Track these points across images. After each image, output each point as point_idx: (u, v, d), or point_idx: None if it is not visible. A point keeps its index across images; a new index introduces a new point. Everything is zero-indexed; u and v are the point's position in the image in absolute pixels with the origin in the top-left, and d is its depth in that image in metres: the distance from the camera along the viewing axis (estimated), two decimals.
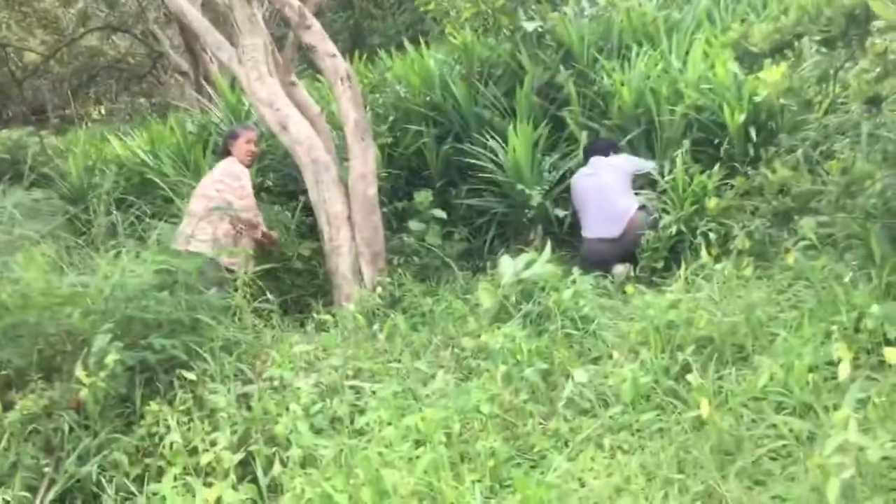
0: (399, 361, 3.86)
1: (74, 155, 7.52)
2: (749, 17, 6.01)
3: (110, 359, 3.07)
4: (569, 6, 6.49)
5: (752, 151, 4.99)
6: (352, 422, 3.20)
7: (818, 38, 3.25)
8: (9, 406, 3.19)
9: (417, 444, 2.96)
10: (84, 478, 3.03)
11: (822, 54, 3.36)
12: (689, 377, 3.07)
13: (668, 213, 4.85)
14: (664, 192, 5.02)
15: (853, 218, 3.59)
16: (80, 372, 3.11)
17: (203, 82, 10.54)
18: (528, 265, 4.24)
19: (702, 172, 4.91)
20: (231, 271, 4.45)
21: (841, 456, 2.26)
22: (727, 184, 4.76)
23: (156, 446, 3.11)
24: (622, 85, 5.63)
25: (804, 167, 4.37)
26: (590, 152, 5.42)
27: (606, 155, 5.30)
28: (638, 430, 3.08)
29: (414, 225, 5.59)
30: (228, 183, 4.99)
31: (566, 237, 5.63)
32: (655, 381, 3.26)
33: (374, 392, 3.39)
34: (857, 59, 3.46)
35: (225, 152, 5.29)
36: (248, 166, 5.27)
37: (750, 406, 2.94)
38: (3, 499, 2.88)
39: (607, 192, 5.06)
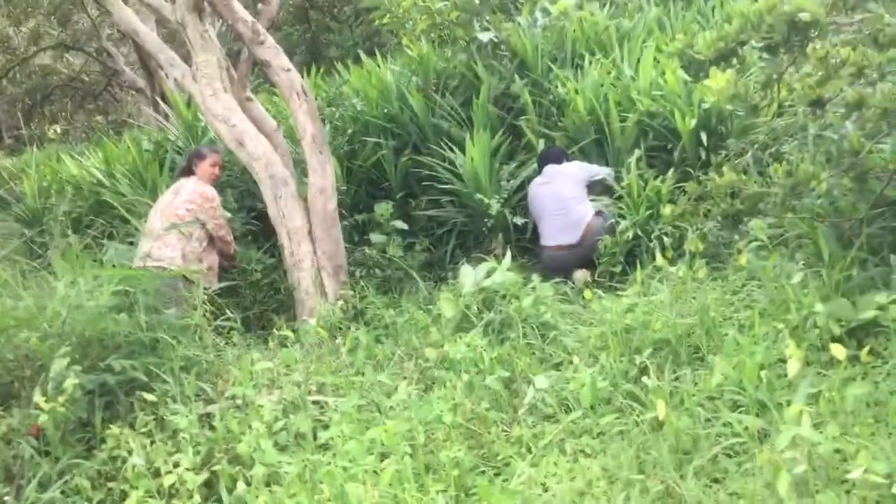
0: (362, 375, 3.88)
1: (29, 176, 7.41)
2: (697, 25, 6.16)
3: (69, 383, 3.04)
4: (523, 17, 6.58)
5: (704, 156, 5.11)
6: (315, 437, 3.20)
7: (761, 45, 3.33)
8: None
9: (382, 456, 2.97)
10: None
11: (766, 60, 3.45)
12: (646, 379, 3.13)
13: (624, 218, 4.94)
14: (620, 197, 5.10)
15: (801, 218, 3.69)
16: (38, 398, 3.07)
17: (158, 100, 10.45)
18: (489, 274, 4.29)
19: (656, 178, 5.02)
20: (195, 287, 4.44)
21: (793, 451, 2.33)
22: (681, 188, 4.86)
23: (118, 470, 3.08)
24: (576, 93, 5.72)
25: (754, 170, 4.48)
26: (543, 161, 5.49)
27: (560, 163, 5.37)
28: (599, 434, 3.13)
29: (375, 237, 5.61)
30: (200, 204, 4.94)
31: (527, 245, 5.69)
32: (614, 384, 3.32)
33: (336, 407, 3.40)
34: (801, 64, 3.56)
35: (187, 171, 5.23)
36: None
37: (705, 405, 3.00)
38: None
39: (563, 199, 5.12)
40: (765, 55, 3.51)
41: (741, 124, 5.18)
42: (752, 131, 5.06)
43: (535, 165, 5.68)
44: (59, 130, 17.87)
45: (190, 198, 4.96)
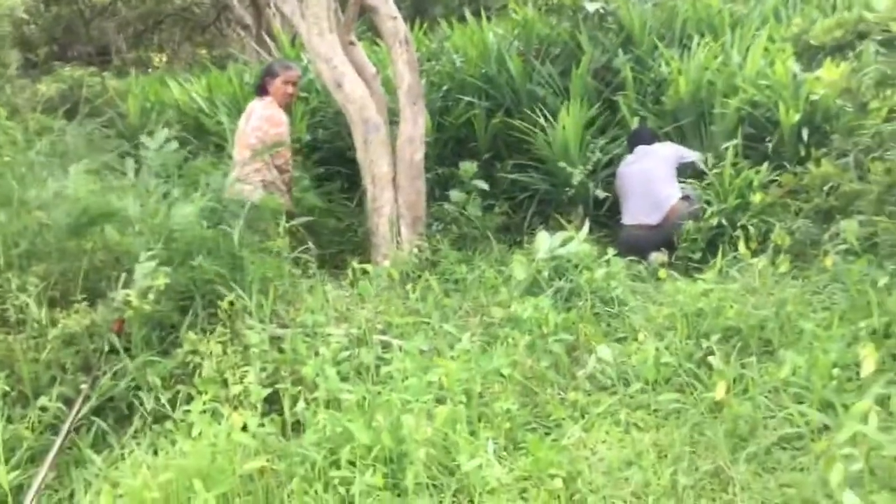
0: (428, 323, 3.95)
1: (134, 96, 7.70)
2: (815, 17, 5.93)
3: (159, 281, 3.18)
4: None
5: (803, 152, 4.96)
6: (377, 372, 3.29)
7: (879, 38, 3.21)
8: (54, 323, 3.34)
9: (438, 401, 3.04)
10: (117, 396, 3.17)
11: (883, 56, 3.32)
12: (711, 359, 3.10)
13: (710, 204, 4.85)
14: (709, 184, 5.00)
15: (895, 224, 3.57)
16: (128, 293, 3.23)
17: (264, 36, 10.67)
18: (565, 243, 4.28)
19: (750, 168, 4.90)
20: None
21: (852, 447, 2.29)
22: (774, 181, 4.74)
23: (189, 375, 3.23)
24: (679, 74, 5.61)
25: (854, 171, 4.33)
26: (634, 140, 5.43)
27: (650, 143, 5.30)
28: (655, 410, 3.13)
29: (455, 194, 5.65)
30: (266, 129, 4.90)
31: (606, 220, 5.65)
32: (678, 364, 3.30)
33: (400, 347, 3.48)
34: None
35: (261, 90, 5.14)
36: (284, 108, 5.12)
37: (769, 396, 2.97)
38: (41, 406, 3.03)
39: (651, 178, 5.06)
40: (882, 51, 3.38)
41: (847, 124, 4.99)
42: (857, 132, 4.87)
43: (626, 143, 5.61)
44: (164, 59, 18.41)
45: (257, 124, 4.92)
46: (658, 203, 4.99)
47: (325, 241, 5.53)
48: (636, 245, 5.05)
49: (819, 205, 3.36)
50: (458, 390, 3.01)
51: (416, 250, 4.91)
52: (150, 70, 14.69)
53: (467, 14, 7.25)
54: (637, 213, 5.12)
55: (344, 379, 3.24)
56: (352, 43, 5.57)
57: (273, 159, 4.89)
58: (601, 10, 6.25)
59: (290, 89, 5.10)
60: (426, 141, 5.34)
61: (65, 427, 3.09)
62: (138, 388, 3.18)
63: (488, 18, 7.08)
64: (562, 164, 5.51)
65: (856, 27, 3.16)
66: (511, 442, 2.96)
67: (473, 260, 4.93)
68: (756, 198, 4.29)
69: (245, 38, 12.28)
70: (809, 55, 3.62)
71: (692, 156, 5.24)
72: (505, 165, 6.13)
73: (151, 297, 3.21)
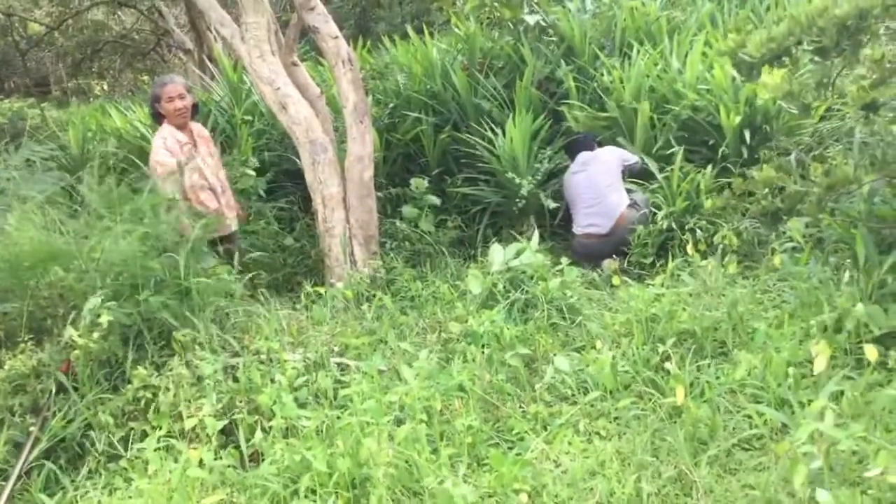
0: (385, 342, 3.91)
1: (74, 126, 7.53)
2: (750, 23, 6.07)
3: (104, 318, 3.10)
4: (572, 2, 6.53)
5: (746, 154, 5.06)
6: (335, 396, 3.24)
7: (811, 48, 3.29)
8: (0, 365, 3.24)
9: (398, 421, 3.01)
10: (68, 437, 3.08)
11: (817, 63, 3.41)
12: (668, 365, 3.12)
13: (660, 209, 4.91)
14: (658, 188, 5.06)
15: (839, 222, 3.64)
16: (72, 332, 3.15)
17: (206, 61, 10.56)
18: (518, 254, 4.29)
19: (696, 172, 4.98)
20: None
21: (811, 445, 2.32)
22: (719, 183, 4.83)
23: (141, 411, 3.15)
24: (622, 82, 5.68)
25: (796, 171, 4.43)
26: (574, 149, 5.49)
27: (592, 149, 5.36)
28: (615, 418, 3.14)
29: (408, 210, 5.63)
30: (153, 160, 4.51)
31: (559, 230, 5.69)
32: (635, 370, 3.32)
33: (358, 369, 3.43)
34: (854, 67, 3.50)
35: (157, 118, 4.77)
36: (183, 125, 4.71)
37: (726, 397, 3.00)
38: None
39: (598, 187, 5.11)
40: (815, 58, 3.46)
41: (787, 125, 5.12)
42: (797, 132, 4.99)
43: (565, 152, 5.68)
44: (105, 87, 18.12)
45: (150, 160, 4.56)
46: (607, 212, 5.03)
47: (277, 265, 5.46)
48: (588, 253, 5.09)
49: (766, 206, 3.42)
50: (418, 409, 2.98)
51: (370, 270, 4.87)
52: (90, 99, 14.42)
53: (410, 31, 7.26)
54: (587, 223, 5.15)
55: (302, 405, 3.20)
56: (294, 64, 5.53)
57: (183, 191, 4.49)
58: (541, 23, 6.31)
59: (178, 104, 4.67)
60: (375, 159, 5.32)
61: (15, 471, 3.00)
62: (90, 427, 3.09)
63: (431, 34, 7.09)
64: (510, 175, 5.53)
65: (787, 39, 3.23)
66: (474, 458, 2.93)
67: (428, 276, 4.91)
68: (707, 203, 4.36)
69: (187, 63, 12.14)
70: (746, 66, 3.68)
71: (633, 158, 5.32)
72: (455, 180, 6.13)
73: (96, 334, 3.12)
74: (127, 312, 3.26)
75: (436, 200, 5.69)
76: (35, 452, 3.05)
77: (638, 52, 5.91)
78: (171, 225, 3.86)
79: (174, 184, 4.41)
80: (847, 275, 3.48)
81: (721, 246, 4.32)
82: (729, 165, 5.05)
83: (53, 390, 3.22)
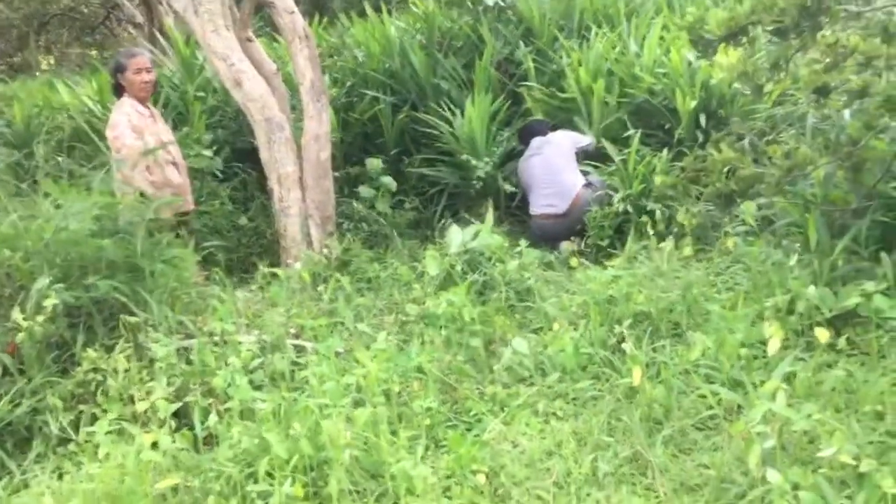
0: (343, 324, 3.88)
1: (20, 101, 7.28)
2: (706, 7, 6.11)
3: (49, 302, 3.02)
4: None
5: (701, 137, 5.11)
6: (292, 378, 3.21)
7: (771, 27, 3.32)
8: None
9: (356, 404, 2.98)
10: (15, 421, 2.99)
11: (775, 43, 3.45)
12: (625, 346, 3.15)
13: (616, 191, 4.94)
14: (614, 171, 5.09)
15: (792, 204, 3.70)
16: (17, 315, 3.06)
17: (157, 35, 10.29)
18: (476, 235, 4.29)
19: (651, 155, 5.02)
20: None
21: (764, 425, 2.36)
22: (674, 166, 4.87)
23: (91, 394, 3.08)
24: (580, 64, 5.69)
25: (749, 155, 4.49)
26: (526, 135, 5.51)
27: (544, 134, 5.37)
28: (573, 399, 3.16)
29: (364, 191, 5.59)
30: (109, 136, 4.41)
31: (516, 212, 5.69)
32: (592, 352, 3.34)
33: (316, 350, 3.40)
34: (808, 49, 3.55)
35: (117, 90, 4.65)
36: (145, 99, 4.64)
37: (681, 378, 3.03)
38: None
39: (553, 168, 5.13)
40: (774, 39, 3.50)
41: (741, 109, 5.18)
42: (751, 116, 5.05)
43: (518, 138, 5.69)
44: (52, 62, 17.57)
45: (107, 133, 4.47)
46: (563, 192, 5.05)
47: (232, 245, 5.37)
48: (546, 234, 5.10)
49: (720, 189, 3.46)
50: (377, 391, 2.96)
51: (326, 250, 4.82)
52: (36, 74, 13.98)
53: (367, 8, 7.16)
54: (543, 203, 5.16)
55: (257, 388, 3.15)
56: (249, 39, 5.42)
57: (146, 166, 4.40)
58: (501, 3, 6.28)
59: (144, 77, 4.57)
60: (332, 138, 5.25)
61: None
62: (37, 411, 3.01)
63: (389, 12, 7.01)
64: (465, 157, 5.52)
65: (748, 18, 3.25)
66: (432, 440, 2.93)
67: (385, 257, 4.89)
68: (657, 180, 4.39)
69: (137, 38, 11.84)
70: (704, 43, 3.71)
71: (586, 140, 5.36)
72: (413, 160, 6.09)
73: (41, 318, 3.03)
74: (75, 295, 3.17)
75: (391, 182, 5.64)
76: None
77: (596, 34, 5.92)
78: (127, 205, 3.76)
79: (137, 167, 4.30)
80: (798, 258, 3.54)
81: (676, 229, 4.37)
82: (684, 150, 5.09)
83: (0, 373, 3.13)
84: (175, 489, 2.55)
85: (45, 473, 2.84)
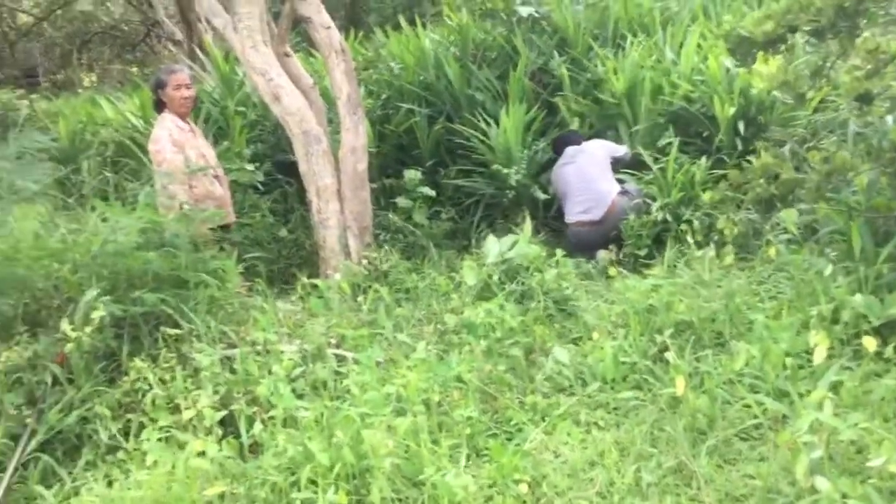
0: (382, 334, 3.90)
1: (65, 118, 7.46)
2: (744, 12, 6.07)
3: (96, 314, 3.08)
4: None
5: (740, 145, 5.06)
6: (334, 387, 3.23)
7: (808, 28, 3.29)
8: None
9: (397, 413, 3.00)
10: (66, 429, 3.06)
11: (813, 47, 3.42)
12: (667, 355, 3.13)
13: (654, 200, 4.91)
14: (652, 180, 5.06)
15: (836, 211, 3.65)
16: (66, 326, 3.13)
17: (197, 51, 10.47)
18: (513, 245, 4.29)
19: (690, 163, 4.98)
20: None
21: (811, 435, 2.32)
22: (714, 174, 4.83)
23: (138, 402, 3.13)
24: (615, 73, 5.68)
25: (790, 161, 4.44)
26: (561, 145, 5.51)
27: (578, 144, 5.37)
28: (614, 408, 3.15)
29: (402, 202, 5.62)
30: (151, 150, 4.50)
31: (552, 222, 5.68)
32: (633, 361, 3.32)
33: (356, 360, 3.42)
34: (848, 55, 3.51)
35: (158, 106, 4.74)
36: (185, 114, 4.71)
37: (725, 388, 3.00)
38: None
39: (588, 176, 5.13)
40: (812, 40, 3.47)
41: (781, 116, 5.13)
42: (791, 124, 5.00)
43: (552, 149, 5.69)
44: (94, 78, 17.97)
45: (149, 147, 4.55)
46: (598, 199, 5.04)
47: (272, 256, 5.44)
48: (582, 242, 5.09)
49: (760, 194, 3.42)
50: (417, 400, 2.97)
51: (365, 261, 4.86)
52: (79, 91, 14.31)
53: (402, 22, 7.22)
54: (579, 211, 5.15)
55: (300, 396, 3.18)
56: (287, 54, 5.50)
57: (189, 179, 4.47)
58: (535, 14, 6.29)
59: (184, 93, 4.66)
60: (368, 150, 5.30)
61: (12, 464, 2.98)
62: (86, 419, 3.07)
63: (423, 25, 7.07)
64: (496, 166, 5.54)
65: (785, 17, 3.23)
66: (473, 449, 2.93)
67: (423, 268, 4.90)
68: (706, 196, 4.37)
69: (177, 54, 12.05)
70: (742, 51, 3.68)
71: (622, 150, 5.34)
72: (449, 171, 6.11)
73: (89, 329, 3.10)
74: (123, 308, 3.23)
75: (429, 192, 5.66)
76: (32, 444, 3.02)
77: (632, 43, 5.91)
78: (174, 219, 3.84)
79: (179, 181, 4.37)
80: (842, 266, 3.50)
81: (716, 237, 4.33)
82: (723, 157, 5.06)
83: (49, 382, 3.20)
84: (222, 496, 2.58)
85: (94, 481, 2.89)
